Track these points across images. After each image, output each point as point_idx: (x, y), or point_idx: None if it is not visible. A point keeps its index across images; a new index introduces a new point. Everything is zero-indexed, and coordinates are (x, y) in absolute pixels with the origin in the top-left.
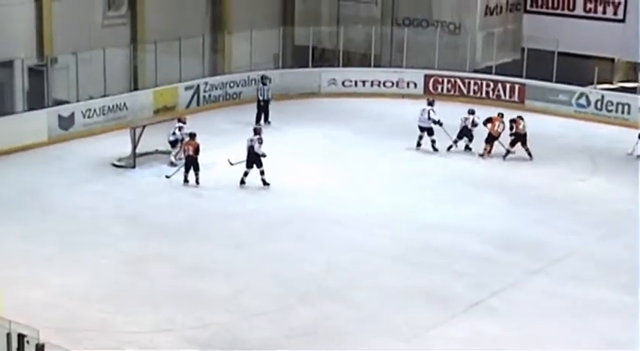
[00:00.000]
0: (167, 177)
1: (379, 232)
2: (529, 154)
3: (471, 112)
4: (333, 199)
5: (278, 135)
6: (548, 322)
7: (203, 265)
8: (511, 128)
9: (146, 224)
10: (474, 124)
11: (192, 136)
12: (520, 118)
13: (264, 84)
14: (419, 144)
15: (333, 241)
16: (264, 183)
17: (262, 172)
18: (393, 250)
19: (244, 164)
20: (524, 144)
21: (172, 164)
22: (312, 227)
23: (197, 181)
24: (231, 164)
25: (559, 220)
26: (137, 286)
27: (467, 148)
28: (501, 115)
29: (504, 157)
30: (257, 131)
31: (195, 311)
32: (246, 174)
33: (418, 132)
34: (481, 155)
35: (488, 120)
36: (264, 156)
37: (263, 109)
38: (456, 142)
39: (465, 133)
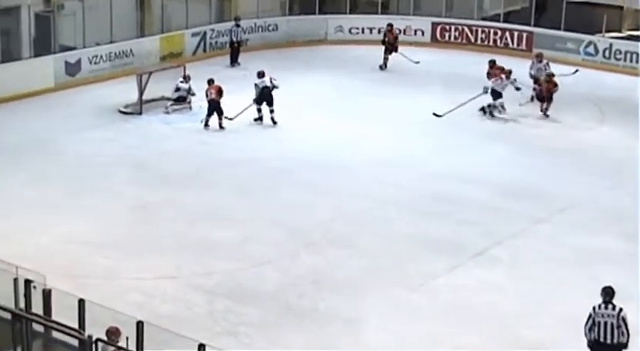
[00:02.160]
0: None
1: (387, 180)
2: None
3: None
4: (340, 147)
5: (284, 82)
6: (552, 271)
7: (209, 213)
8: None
9: (153, 171)
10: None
11: (211, 81)
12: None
13: (237, 25)
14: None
15: (340, 189)
16: (274, 121)
17: (272, 111)
18: (400, 198)
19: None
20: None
21: (167, 112)
22: (319, 175)
23: (220, 126)
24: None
25: (566, 169)
26: (143, 232)
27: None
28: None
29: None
30: (261, 74)
31: (200, 259)
32: (259, 110)
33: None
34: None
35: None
36: (275, 87)
37: (236, 51)
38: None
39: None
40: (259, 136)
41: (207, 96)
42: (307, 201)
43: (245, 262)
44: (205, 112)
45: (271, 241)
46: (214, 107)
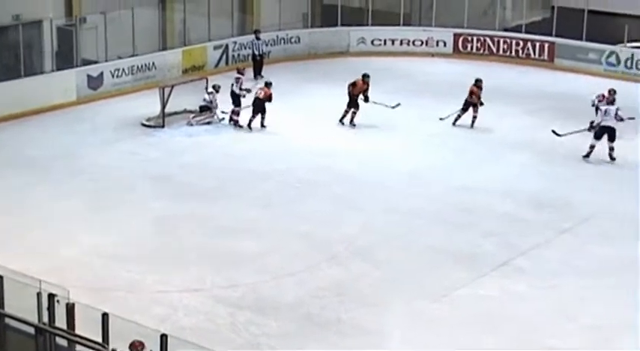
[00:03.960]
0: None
1: (410, 192)
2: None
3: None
4: (363, 160)
5: (306, 95)
6: (576, 281)
7: (232, 225)
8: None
9: (175, 184)
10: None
11: (268, 84)
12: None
13: (257, 39)
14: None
15: (363, 201)
16: (225, 118)
17: (233, 112)
18: (423, 210)
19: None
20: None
21: (190, 124)
22: (342, 188)
23: (262, 124)
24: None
25: (588, 178)
26: (166, 245)
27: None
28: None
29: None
30: (238, 70)
31: (224, 271)
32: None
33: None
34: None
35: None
36: (248, 91)
37: (258, 64)
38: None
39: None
40: (282, 149)
41: (256, 93)
42: (330, 213)
43: (268, 274)
44: (226, 122)
45: (294, 254)
46: (258, 106)
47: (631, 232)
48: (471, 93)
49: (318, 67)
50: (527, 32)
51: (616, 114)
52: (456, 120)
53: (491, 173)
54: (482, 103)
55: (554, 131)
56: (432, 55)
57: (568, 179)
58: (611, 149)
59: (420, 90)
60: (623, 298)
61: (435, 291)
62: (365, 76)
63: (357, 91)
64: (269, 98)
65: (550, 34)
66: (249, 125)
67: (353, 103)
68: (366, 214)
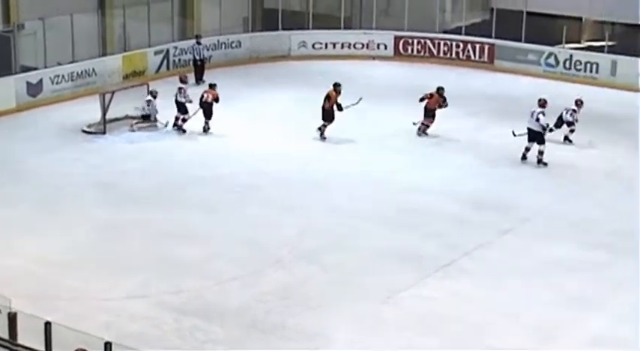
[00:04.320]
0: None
1: (353, 195)
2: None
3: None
4: (305, 163)
5: (248, 99)
6: (519, 281)
7: (175, 231)
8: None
9: (118, 190)
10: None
11: (212, 86)
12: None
13: (198, 43)
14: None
15: (306, 204)
16: (169, 124)
17: (177, 118)
18: (367, 213)
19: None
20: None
21: (132, 130)
22: (285, 192)
23: (204, 129)
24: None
25: (529, 179)
26: (110, 252)
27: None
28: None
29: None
30: (180, 79)
31: (168, 277)
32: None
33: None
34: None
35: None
36: (189, 102)
37: (200, 69)
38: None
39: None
40: (225, 154)
41: (202, 98)
42: (274, 217)
43: (212, 279)
44: (170, 127)
45: (238, 258)
46: (206, 110)
47: (571, 232)
48: (430, 96)
49: (260, 72)
50: (467, 34)
51: (537, 117)
52: (419, 129)
53: (433, 175)
54: (440, 107)
55: (513, 132)
56: (373, 58)
57: (509, 180)
58: (540, 153)
59: (362, 93)
60: (563, 298)
61: (380, 293)
62: (336, 85)
63: (333, 102)
64: (216, 99)
65: (490, 36)
66: (207, 130)
67: (328, 116)
68: (309, 217)
